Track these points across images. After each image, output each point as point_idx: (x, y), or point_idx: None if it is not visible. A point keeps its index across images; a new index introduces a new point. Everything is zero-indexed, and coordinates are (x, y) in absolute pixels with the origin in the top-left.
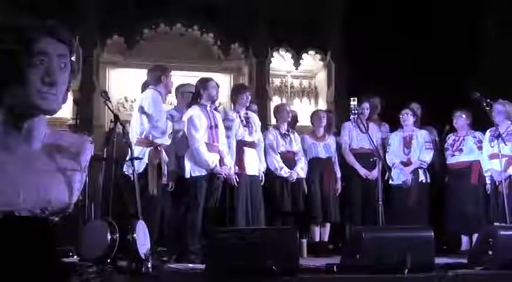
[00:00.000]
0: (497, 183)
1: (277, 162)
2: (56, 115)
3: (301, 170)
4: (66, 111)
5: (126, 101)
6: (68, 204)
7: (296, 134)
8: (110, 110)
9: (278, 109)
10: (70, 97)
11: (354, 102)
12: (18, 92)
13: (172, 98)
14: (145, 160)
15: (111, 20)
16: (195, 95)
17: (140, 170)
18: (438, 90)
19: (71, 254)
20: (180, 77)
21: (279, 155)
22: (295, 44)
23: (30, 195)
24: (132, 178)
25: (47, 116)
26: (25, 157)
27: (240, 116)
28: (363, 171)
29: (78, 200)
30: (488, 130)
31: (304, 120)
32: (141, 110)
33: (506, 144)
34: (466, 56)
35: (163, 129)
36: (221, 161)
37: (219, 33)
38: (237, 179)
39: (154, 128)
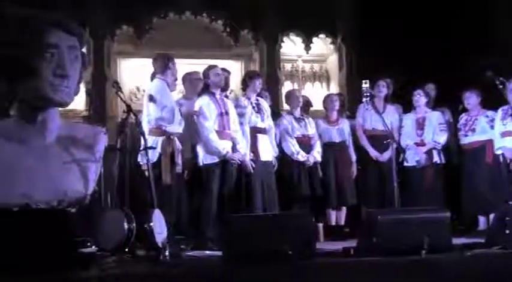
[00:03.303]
0: (508, 161)
1: (293, 147)
2: (69, 107)
3: (317, 154)
4: (78, 102)
5: (138, 90)
6: (84, 195)
7: (310, 118)
8: (122, 100)
9: (288, 95)
10: (82, 89)
11: (365, 85)
12: (31, 85)
13: (181, 86)
14: (159, 149)
15: (121, 11)
16: (204, 85)
17: (154, 160)
18: (453, 70)
19: (89, 244)
20: (190, 65)
21: (294, 139)
22: (305, 28)
23: (46, 188)
24: (146, 168)
25: (60, 108)
26: (40, 150)
27: (251, 103)
28: (373, 153)
29: (94, 190)
30: (500, 108)
31: (316, 105)
32: (148, 100)
33: None
34: (480, 35)
35: (170, 118)
36: (234, 148)
37: (228, 20)
38: (253, 166)
39: (160, 117)
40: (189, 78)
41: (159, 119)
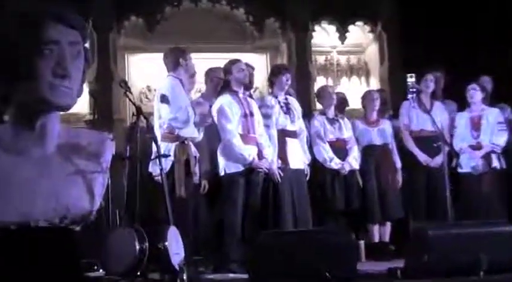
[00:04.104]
0: None
1: (326, 153)
2: (71, 110)
3: (354, 160)
4: (82, 105)
5: (149, 90)
6: (89, 211)
7: (346, 119)
8: (131, 101)
9: (320, 92)
10: (86, 89)
11: (411, 79)
12: (28, 86)
13: (202, 85)
14: (172, 157)
15: (128, 0)
16: (224, 82)
17: (166, 169)
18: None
19: (95, 267)
20: (208, 60)
21: (327, 144)
22: (339, 15)
23: (46, 203)
24: (159, 178)
25: (61, 112)
26: (39, 160)
27: (279, 102)
28: (422, 158)
29: (100, 205)
30: None
31: (353, 103)
32: (160, 101)
33: None
34: None
35: (184, 119)
36: (260, 154)
37: (250, 7)
38: (281, 174)
39: (173, 119)
40: (211, 75)
41: (172, 119)
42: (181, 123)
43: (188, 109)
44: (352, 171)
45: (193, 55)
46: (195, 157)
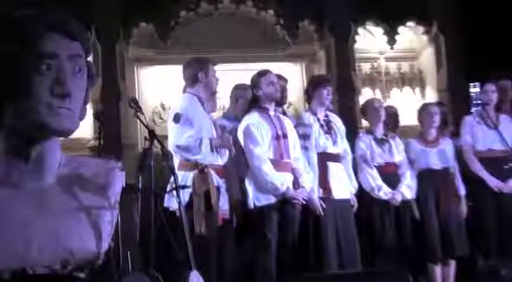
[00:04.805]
0: None
1: (374, 180)
2: (73, 135)
3: (407, 188)
4: (85, 129)
5: (163, 108)
6: (96, 254)
7: (398, 138)
8: (143, 123)
9: (366, 107)
10: (89, 110)
11: (475, 89)
12: (22, 108)
13: (225, 101)
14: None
15: (137, 4)
16: (252, 97)
17: (185, 202)
18: None
19: None
20: (232, 72)
21: (375, 169)
22: (387, 14)
23: (46, 245)
24: (178, 214)
25: (61, 138)
26: (36, 195)
27: (319, 120)
28: (494, 183)
29: (109, 247)
30: None
31: (407, 119)
32: (173, 121)
33: None
34: None
35: (193, 148)
36: (296, 182)
37: (281, 8)
38: (323, 206)
39: (180, 146)
40: (235, 93)
41: (179, 148)
42: (192, 153)
43: (202, 135)
44: (405, 202)
45: (215, 67)
46: (218, 188)
